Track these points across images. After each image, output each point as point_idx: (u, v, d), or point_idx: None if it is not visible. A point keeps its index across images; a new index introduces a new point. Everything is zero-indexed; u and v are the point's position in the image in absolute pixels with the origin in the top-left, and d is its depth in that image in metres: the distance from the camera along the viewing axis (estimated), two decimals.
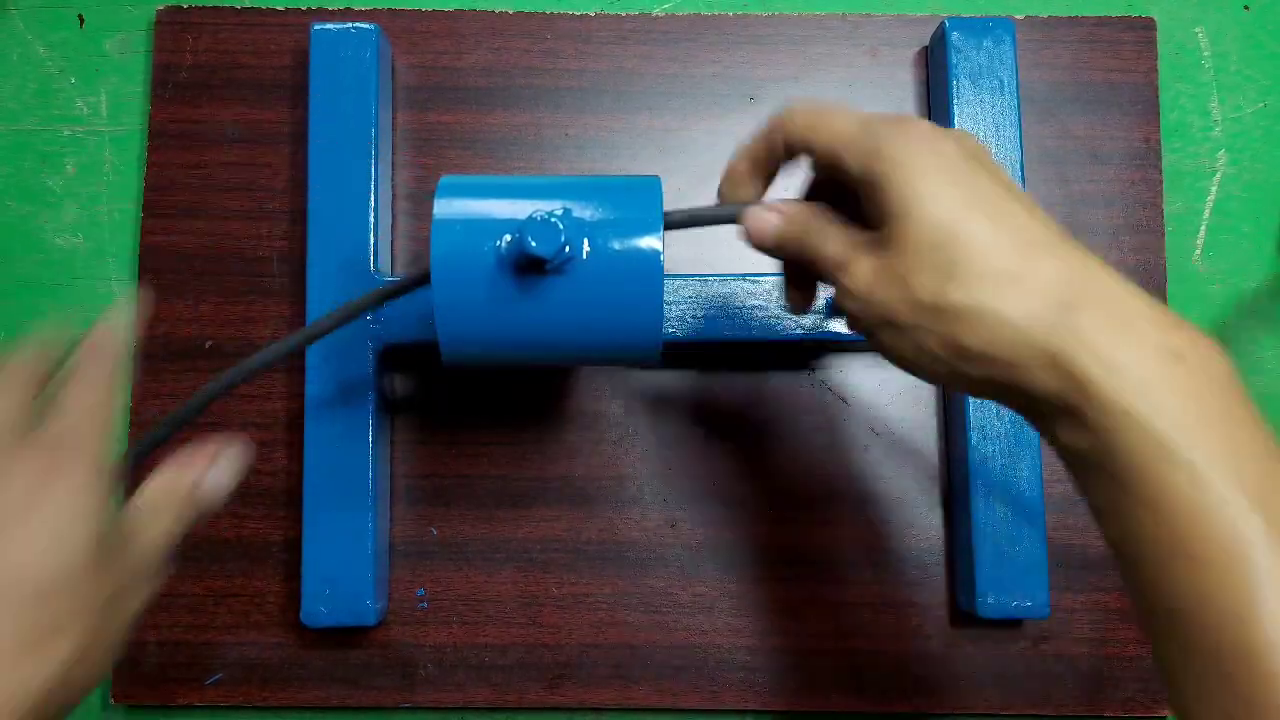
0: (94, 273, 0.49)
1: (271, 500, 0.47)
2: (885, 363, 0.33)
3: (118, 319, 0.35)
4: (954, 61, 0.47)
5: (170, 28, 0.50)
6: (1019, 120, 0.47)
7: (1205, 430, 0.26)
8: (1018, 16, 0.50)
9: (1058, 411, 0.28)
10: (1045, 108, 0.50)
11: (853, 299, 0.31)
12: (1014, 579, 0.44)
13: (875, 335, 0.32)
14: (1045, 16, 0.50)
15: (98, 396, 0.32)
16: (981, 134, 0.46)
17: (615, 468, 0.48)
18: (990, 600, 0.44)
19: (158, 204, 0.49)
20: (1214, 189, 0.50)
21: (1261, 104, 0.51)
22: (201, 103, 0.50)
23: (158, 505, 0.33)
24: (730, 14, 0.51)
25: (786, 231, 0.34)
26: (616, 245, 0.36)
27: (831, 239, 0.33)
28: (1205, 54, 0.51)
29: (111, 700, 0.47)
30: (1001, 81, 0.47)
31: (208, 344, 0.48)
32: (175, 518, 0.33)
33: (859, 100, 0.50)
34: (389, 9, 0.50)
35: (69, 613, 0.28)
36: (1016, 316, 0.28)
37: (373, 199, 0.46)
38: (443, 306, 0.36)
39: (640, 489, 0.48)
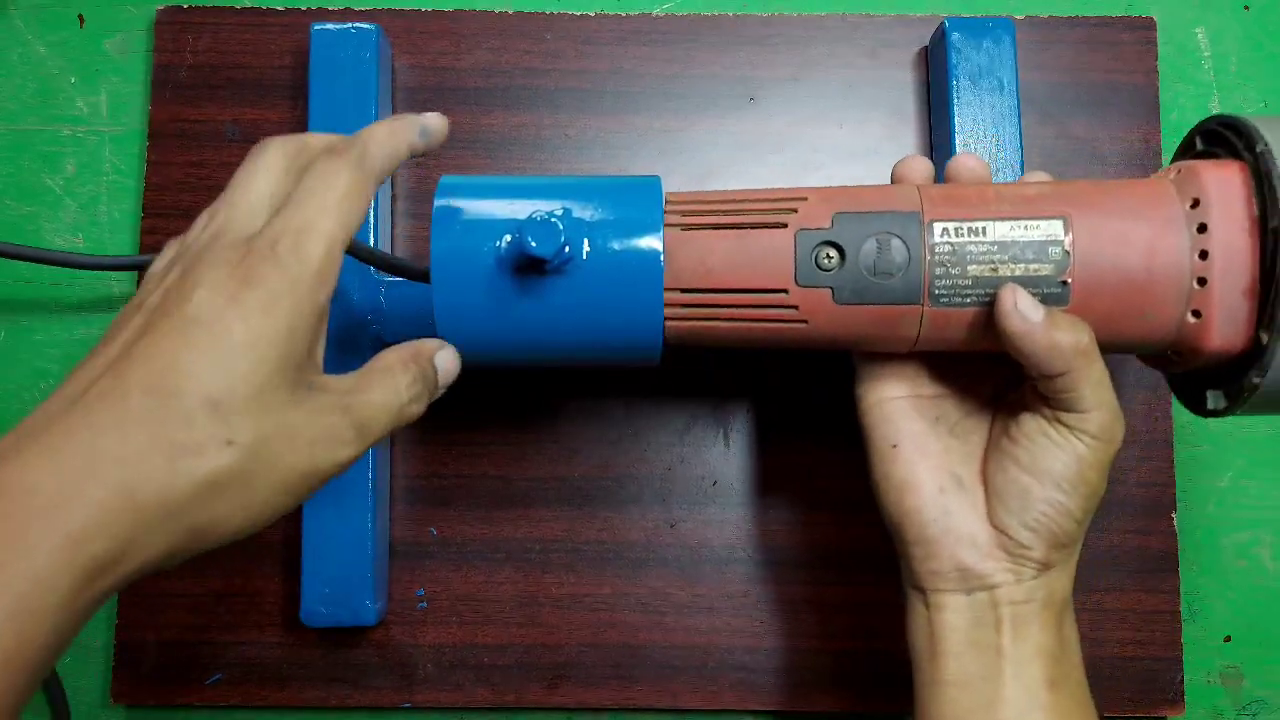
0: (94, 273, 0.49)
1: None
2: None
3: (430, 126, 0.33)
4: (954, 61, 0.47)
5: (170, 28, 0.50)
6: (1019, 120, 0.47)
7: None
8: (1018, 16, 0.50)
9: None
10: (1045, 108, 0.50)
11: None
12: None
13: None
14: (1045, 16, 0.50)
15: (336, 197, 0.29)
16: (981, 134, 0.46)
17: (615, 468, 0.48)
18: None
19: (158, 204, 0.49)
20: None
21: (1261, 104, 0.51)
22: (201, 103, 0.50)
23: (392, 367, 0.32)
24: (730, 14, 0.51)
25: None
26: (616, 245, 0.36)
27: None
28: (1205, 54, 0.51)
29: (111, 700, 0.47)
30: (1001, 81, 0.47)
31: None
32: (409, 383, 0.32)
33: (859, 100, 0.50)
34: (389, 9, 0.50)
35: (229, 432, 0.26)
36: None
37: (372, 199, 0.46)
38: (443, 306, 0.36)
39: (640, 489, 0.48)
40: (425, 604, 0.47)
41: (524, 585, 0.47)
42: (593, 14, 0.51)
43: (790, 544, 0.47)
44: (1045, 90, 0.50)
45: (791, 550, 0.47)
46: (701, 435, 0.48)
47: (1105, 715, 0.47)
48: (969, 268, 0.35)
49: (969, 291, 0.35)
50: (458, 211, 0.37)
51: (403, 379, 0.32)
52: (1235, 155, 0.34)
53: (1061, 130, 0.50)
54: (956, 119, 0.46)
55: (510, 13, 0.51)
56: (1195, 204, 0.34)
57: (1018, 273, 0.34)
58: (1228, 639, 0.48)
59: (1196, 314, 0.34)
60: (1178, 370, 0.37)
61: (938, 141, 0.49)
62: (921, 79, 0.50)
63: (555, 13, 0.51)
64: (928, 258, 0.35)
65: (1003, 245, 0.35)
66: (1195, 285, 0.33)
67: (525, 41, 0.50)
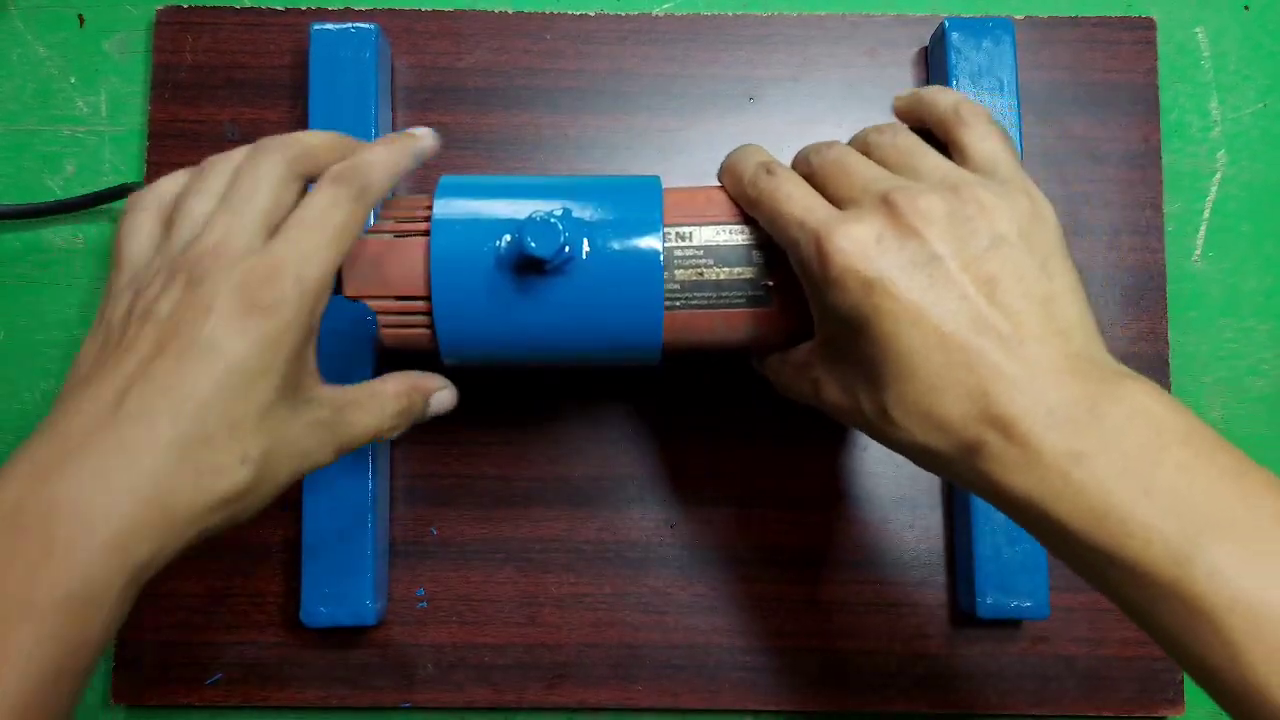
0: (94, 273, 0.49)
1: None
2: None
3: (424, 149, 0.36)
4: (954, 61, 0.47)
5: (170, 28, 0.50)
6: (1019, 120, 0.47)
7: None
8: (1018, 16, 0.50)
9: None
10: (1045, 108, 0.50)
11: None
12: (1014, 579, 0.44)
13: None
14: (1045, 16, 0.50)
15: (337, 228, 0.31)
16: None
17: (615, 468, 0.48)
18: (990, 600, 0.44)
19: None
20: (1214, 189, 0.50)
21: (1261, 104, 0.51)
22: (201, 103, 0.50)
23: (386, 395, 0.35)
24: (730, 14, 0.51)
25: None
26: (616, 245, 0.36)
27: None
28: (1205, 54, 0.51)
29: (111, 700, 0.47)
30: (1001, 81, 0.47)
31: None
32: (396, 413, 0.35)
33: (859, 100, 0.50)
34: (389, 9, 0.50)
35: (243, 450, 0.29)
36: None
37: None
38: (442, 306, 0.36)
39: (640, 489, 0.48)
40: (425, 604, 0.47)
41: (524, 585, 0.47)
42: (593, 14, 0.51)
43: (790, 544, 0.47)
44: (1045, 90, 0.50)
45: (791, 550, 0.47)
46: (702, 436, 0.48)
47: (1105, 715, 0.47)
48: (675, 272, 0.35)
49: (678, 295, 0.35)
50: (457, 211, 0.37)
51: (391, 407, 0.35)
52: None
53: (1061, 130, 0.50)
54: None
55: (510, 13, 0.51)
56: None
57: (722, 277, 0.35)
58: None
59: None
60: None
61: None
62: (921, 79, 0.50)
63: (555, 13, 0.51)
64: None
65: (709, 249, 0.35)
66: None
67: (525, 41, 0.50)
